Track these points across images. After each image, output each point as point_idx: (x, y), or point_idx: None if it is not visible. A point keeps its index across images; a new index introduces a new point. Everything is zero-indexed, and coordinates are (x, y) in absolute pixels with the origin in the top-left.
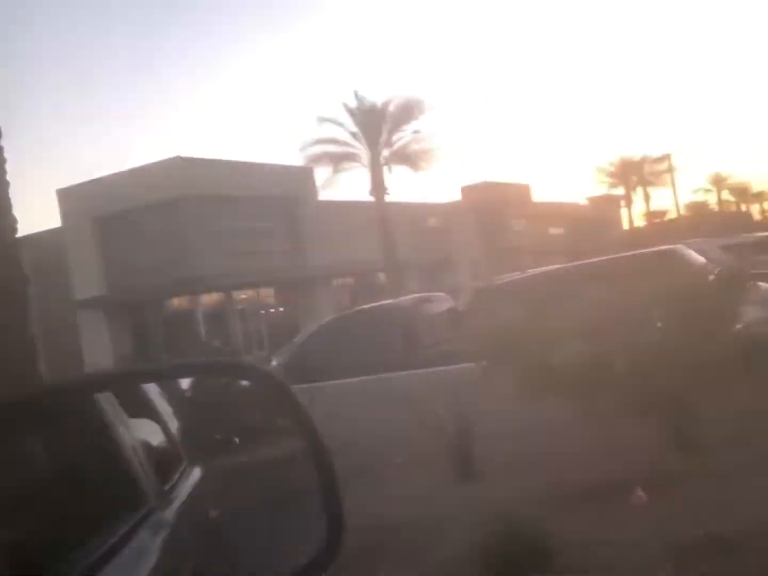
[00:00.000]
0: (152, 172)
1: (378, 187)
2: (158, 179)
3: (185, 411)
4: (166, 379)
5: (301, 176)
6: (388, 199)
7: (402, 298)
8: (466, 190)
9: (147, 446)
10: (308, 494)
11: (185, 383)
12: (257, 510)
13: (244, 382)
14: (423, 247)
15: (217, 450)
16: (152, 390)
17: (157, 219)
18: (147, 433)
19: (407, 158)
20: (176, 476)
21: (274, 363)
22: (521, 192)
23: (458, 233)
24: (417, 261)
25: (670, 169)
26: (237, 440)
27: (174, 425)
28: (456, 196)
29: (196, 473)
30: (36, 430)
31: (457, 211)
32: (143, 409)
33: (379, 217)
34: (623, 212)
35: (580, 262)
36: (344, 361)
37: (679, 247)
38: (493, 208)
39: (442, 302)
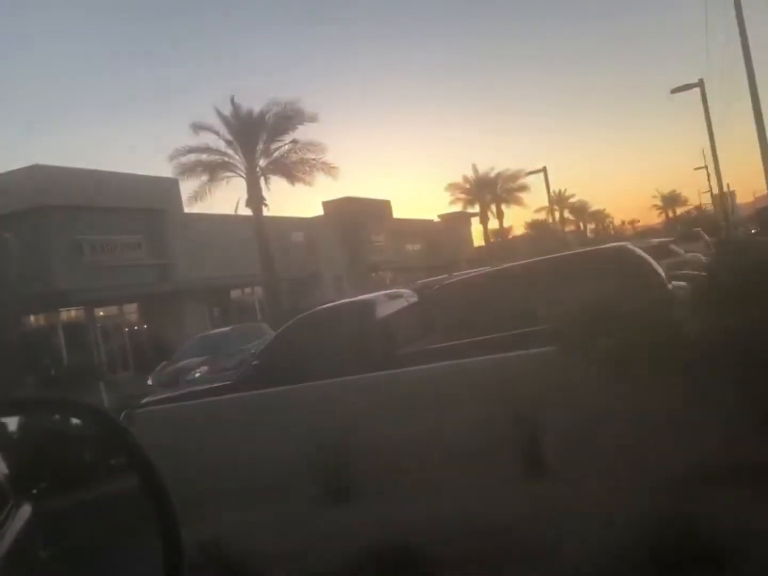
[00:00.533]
0: (8, 181)
1: (255, 198)
2: (14, 188)
3: (11, 447)
4: None
5: (166, 187)
6: (249, 212)
7: (373, 294)
8: (328, 205)
9: None
10: (145, 532)
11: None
12: (91, 549)
13: (73, 419)
14: (288, 261)
15: (47, 488)
16: None
17: (13, 231)
18: None
19: (285, 169)
20: (1, 518)
21: (150, 382)
22: (382, 208)
23: (322, 248)
24: (283, 276)
25: (546, 184)
26: (67, 477)
27: None
28: (318, 210)
29: (24, 513)
30: None
31: (320, 227)
32: None
33: (256, 230)
34: (475, 229)
35: (537, 259)
36: (320, 360)
37: (628, 244)
38: (354, 224)
39: (410, 298)
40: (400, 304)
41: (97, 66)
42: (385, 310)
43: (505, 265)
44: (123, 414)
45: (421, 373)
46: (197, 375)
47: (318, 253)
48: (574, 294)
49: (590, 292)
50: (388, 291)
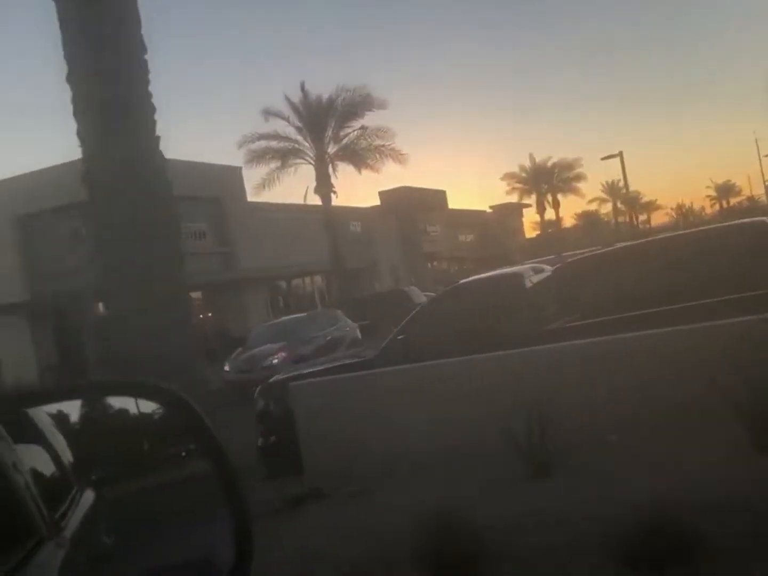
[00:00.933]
0: (76, 171)
1: (323, 186)
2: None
3: (77, 433)
4: (55, 401)
5: (231, 176)
6: (310, 201)
7: (521, 266)
8: (385, 195)
9: (34, 473)
10: (208, 517)
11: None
12: (157, 535)
13: (146, 403)
14: (347, 251)
15: (111, 473)
16: (37, 412)
17: (82, 218)
18: (33, 459)
19: (353, 156)
20: (67, 503)
21: (226, 368)
22: (437, 198)
23: (378, 238)
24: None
25: (622, 170)
26: (134, 461)
27: (62, 448)
28: (373, 200)
29: (88, 498)
30: None
31: (376, 216)
32: (28, 432)
33: (325, 218)
34: (526, 220)
35: (675, 234)
36: (469, 332)
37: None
38: (410, 214)
39: (547, 273)
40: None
41: (162, 53)
42: (532, 283)
43: (642, 241)
44: (258, 389)
45: (625, 342)
46: (275, 361)
47: (374, 243)
48: (724, 268)
49: (738, 265)
50: (533, 264)
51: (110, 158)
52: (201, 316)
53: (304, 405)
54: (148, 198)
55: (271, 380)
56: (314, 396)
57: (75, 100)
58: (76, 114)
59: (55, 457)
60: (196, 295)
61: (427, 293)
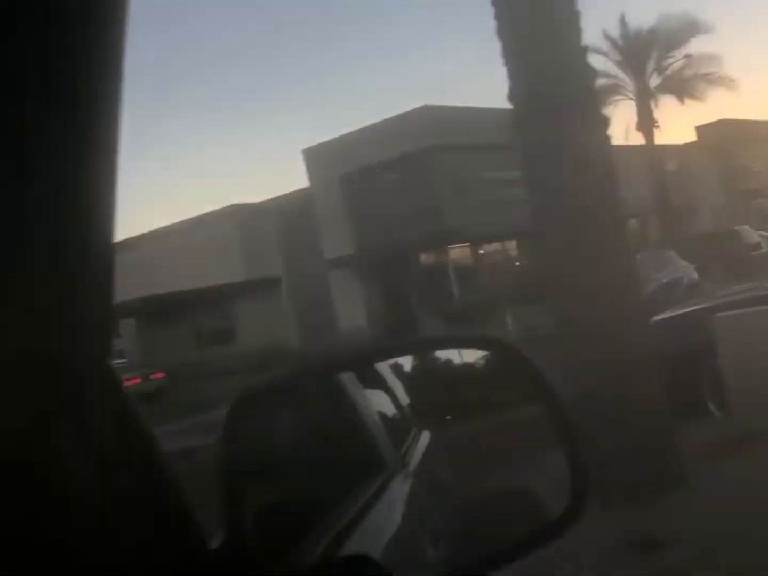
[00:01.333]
0: (398, 124)
1: (646, 121)
2: (405, 131)
3: (418, 379)
4: (406, 354)
5: None
6: (619, 141)
7: None
8: (702, 130)
9: (382, 415)
10: (538, 459)
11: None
12: (483, 470)
13: (471, 352)
14: (661, 192)
15: (443, 416)
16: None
17: (404, 172)
18: (380, 402)
19: (677, 87)
20: (408, 442)
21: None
22: (761, 129)
23: (695, 177)
24: (655, 207)
25: None
26: (462, 406)
27: (401, 394)
28: (689, 136)
29: (425, 438)
30: (292, 410)
31: (693, 153)
32: (372, 379)
33: (649, 155)
34: None
35: None
36: None
37: None
38: (730, 149)
39: None
40: None
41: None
42: None
43: None
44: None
45: None
46: None
47: (691, 181)
48: None
49: None
50: None
51: (541, 84)
52: (518, 263)
53: (729, 339)
54: (577, 118)
55: (657, 318)
56: (741, 329)
57: (500, 30)
58: (505, 50)
59: (396, 402)
60: (512, 243)
61: (761, 233)
